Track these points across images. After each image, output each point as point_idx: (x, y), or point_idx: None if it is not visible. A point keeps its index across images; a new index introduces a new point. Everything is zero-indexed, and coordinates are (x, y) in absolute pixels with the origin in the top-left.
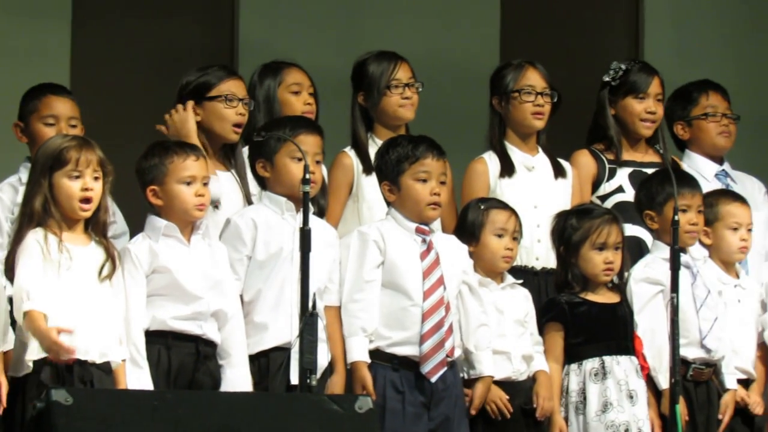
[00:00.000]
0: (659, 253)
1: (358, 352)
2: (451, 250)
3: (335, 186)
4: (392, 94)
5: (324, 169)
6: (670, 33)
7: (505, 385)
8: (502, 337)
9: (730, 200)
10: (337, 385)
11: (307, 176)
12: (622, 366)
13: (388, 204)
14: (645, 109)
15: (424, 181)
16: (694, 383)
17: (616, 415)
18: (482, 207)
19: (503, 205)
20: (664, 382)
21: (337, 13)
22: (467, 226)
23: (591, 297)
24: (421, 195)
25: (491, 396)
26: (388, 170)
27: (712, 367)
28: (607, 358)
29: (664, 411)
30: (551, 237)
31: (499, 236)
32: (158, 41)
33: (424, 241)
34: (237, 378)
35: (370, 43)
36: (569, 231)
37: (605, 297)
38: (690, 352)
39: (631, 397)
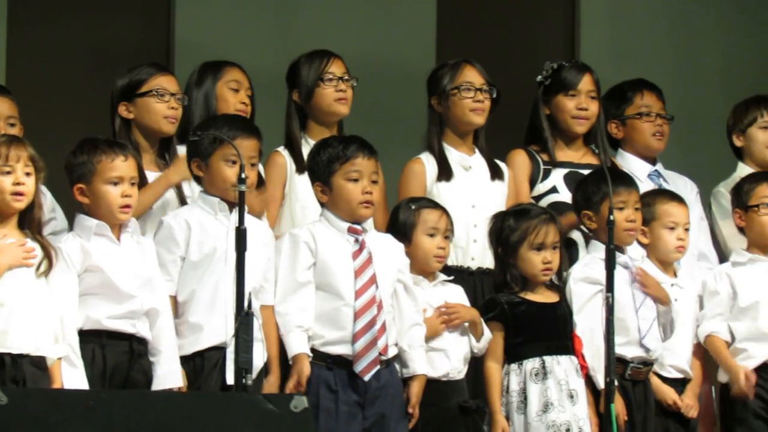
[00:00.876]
0: (597, 253)
1: (298, 345)
2: (386, 248)
3: (270, 185)
4: (326, 87)
5: (261, 167)
6: (605, 33)
7: (442, 383)
8: (439, 337)
9: (667, 199)
10: (272, 385)
11: (243, 176)
12: (562, 366)
13: (322, 205)
14: (576, 105)
15: (356, 180)
16: (632, 382)
17: (557, 415)
18: (413, 207)
19: (434, 205)
20: (602, 381)
21: (273, 14)
22: (398, 226)
23: (530, 297)
24: (352, 194)
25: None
26: (320, 171)
27: (650, 366)
28: (547, 358)
29: (602, 410)
30: (489, 238)
31: (431, 236)
32: (95, 40)
33: (356, 240)
34: (168, 374)
35: (305, 43)
36: (507, 231)
37: (544, 296)
38: (629, 351)
39: (572, 397)
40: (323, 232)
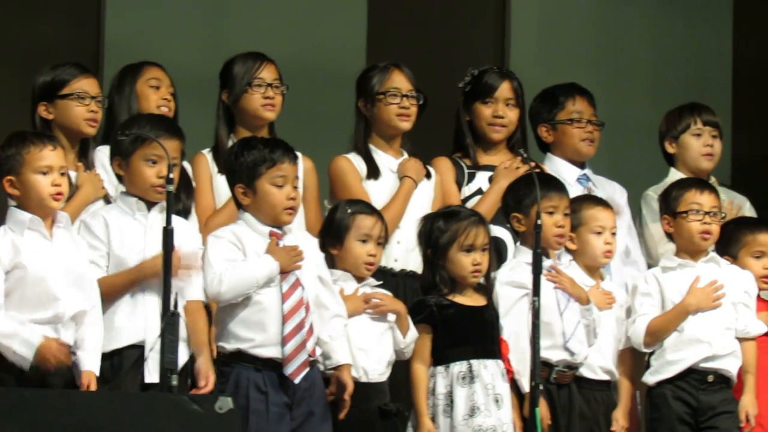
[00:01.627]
0: (523, 257)
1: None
2: (304, 248)
3: (202, 184)
4: (254, 92)
5: (189, 167)
6: (535, 38)
7: (362, 385)
8: (362, 335)
9: (593, 204)
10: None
11: (171, 176)
12: (489, 370)
13: (240, 207)
14: (492, 113)
15: (281, 186)
16: (557, 386)
17: (483, 420)
18: (349, 210)
19: (370, 210)
20: (527, 385)
21: (204, 15)
22: (333, 226)
23: (459, 299)
24: (277, 199)
25: None
26: (243, 173)
27: (575, 370)
28: (474, 362)
29: (527, 414)
30: (418, 239)
31: (363, 242)
32: (25, 40)
33: (277, 244)
34: (85, 358)
35: (236, 44)
36: (437, 233)
37: (473, 299)
38: (554, 354)
39: (497, 401)
40: (245, 234)
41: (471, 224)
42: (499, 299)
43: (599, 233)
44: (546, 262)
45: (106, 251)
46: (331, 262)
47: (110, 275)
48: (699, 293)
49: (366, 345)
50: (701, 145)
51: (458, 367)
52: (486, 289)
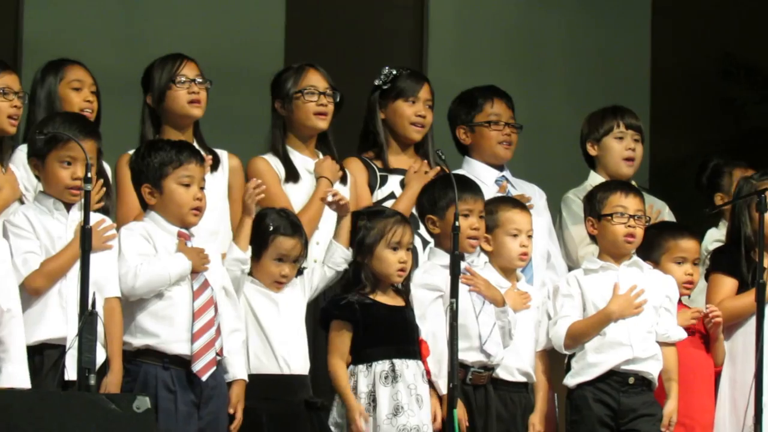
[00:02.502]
0: (438, 260)
1: None
2: (211, 253)
3: (125, 184)
4: (178, 89)
5: (108, 168)
6: (453, 40)
7: (288, 378)
8: (284, 331)
9: (509, 207)
10: (114, 383)
11: (88, 175)
12: (411, 370)
13: (146, 207)
14: (415, 112)
15: (187, 185)
16: (473, 387)
17: (407, 419)
18: (271, 229)
19: (292, 232)
20: (444, 387)
21: (123, 14)
22: (256, 237)
23: (380, 298)
24: (184, 199)
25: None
26: (150, 173)
27: (491, 371)
28: (397, 361)
29: (444, 415)
30: (363, 235)
31: (280, 260)
32: None
33: (186, 245)
34: (14, 374)
35: (155, 44)
36: (363, 231)
37: (393, 300)
38: (470, 356)
39: (419, 402)
40: (155, 230)
41: (397, 222)
42: (414, 301)
43: (515, 236)
44: (461, 265)
45: (38, 245)
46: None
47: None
48: (621, 300)
49: (287, 338)
50: (623, 149)
51: (381, 366)
52: (403, 291)
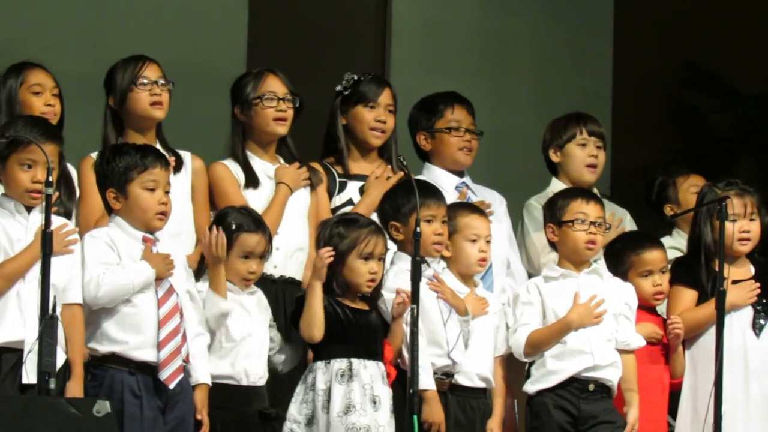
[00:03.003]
0: (405, 264)
1: None
2: (175, 258)
3: (89, 187)
4: (140, 91)
5: (74, 171)
6: (417, 45)
7: (244, 388)
8: (249, 337)
9: (468, 212)
10: (74, 389)
11: (50, 179)
12: (369, 370)
13: (111, 211)
14: (375, 117)
15: (152, 190)
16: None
17: (357, 418)
18: (233, 226)
19: (255, 227)
20: (427, 383)
21: (87, 17)
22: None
23: (346, 301)
24: (149, 204)
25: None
26: (115, 178)
27: (452, 377)
28: (355, 361)
29: (426, 417)
30: (316, 244)
31: (246, 257)
32: None
33: (150, 251)
34: None
35: (117, 46)
36: (336, 239)
37: (359, 305)
38: (437, 362)
39: (375, 402)
40: (119, 236)
41: (371, 233)
42: (386, 305)
43: (474, 241)
44: (428, 271)
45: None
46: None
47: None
48: (581, 310)
49: (250, 350)
50: (586, 155)
51: (338, 365)
52: (370, 298)
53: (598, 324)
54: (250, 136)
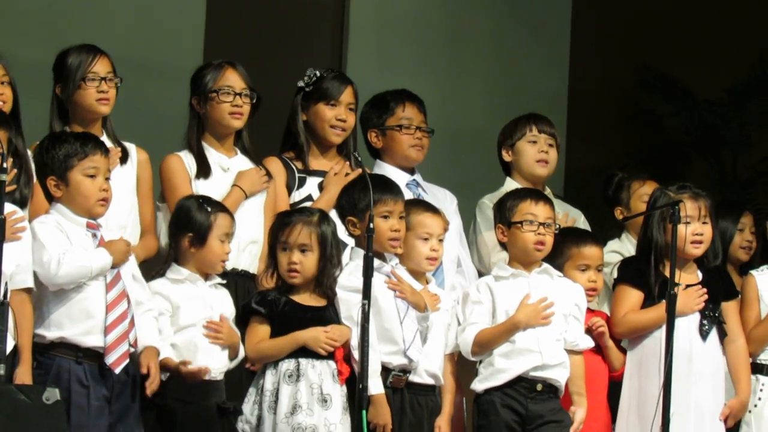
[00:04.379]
0: (361, 261)
1: None
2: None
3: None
4: (88, 86)
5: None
6: (373, 42)
7: (204, 383)
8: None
9: (421, 210)
10: (24, 375)
11: (5, 165)
12: (317, 370)
13: (52, 199)
14: (335, 116)
15: (93, 176)
16: (392, 390)
17: (304, 418)
18: (209, 209)
19: (225, 209)
20: (374, 388)
21: (41, 6)
22: (195, 228)
23: (297, 298)
24: (90, 190)
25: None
26: (55, 166)
27: (408, 374)
28: (303, 361)
29: (371, 418)
30: (269, 236)
31: (222, 241)
32: None
33: (95, 236)
34: None
35: (76, 36)
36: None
37: (311, 299)
38: (393, 359)
39: (325, 401)
40: (65, 224)
41: (297, 223)
42: (340, 303)
43: (426, 239)
44: (385, 268)
45: None
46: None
47: None
48: (528, 310)
49: (206, 344)
50: (536, 151)
51: (286, 365)
52: (327, 291)
53: (546, 325)
54: (206, 128)
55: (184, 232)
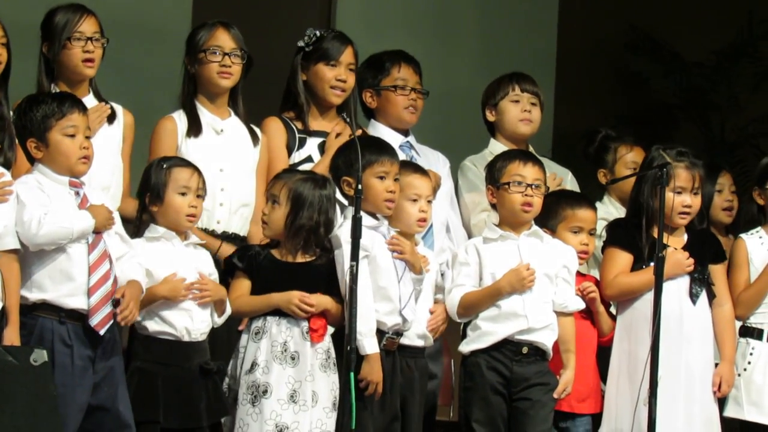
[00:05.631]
0: (363, 220)
1: None
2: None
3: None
4: (73, 46)
5: None
6: (362, 4)
7: (184, 344)
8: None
9: (410, 172)
10: (10, 336)
11: None
12: (281, 327)
13: (32, 160)
14: (335, 76)
15: (72, 136)
16: (384, 352)
17: (258, 376)
18: (164, 166)
19: (185, 163)
20: (368, 347)
21: None
22: (151, 186)
23: (275, 253)
24: (71, 149)
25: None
26: (34, 127)
27: (401, 336)
28: (269, 318)
29: (364, 375)
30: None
31: (183, 194)
32: None
33: (77, 194)
34: None
35: None
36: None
37: (296, 256)
38: (389, 319)
39: (293, 359)
40: (48, 183)
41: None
42: (341, 257)
43: (415, 201)
44: (381, 228)
45: None
46: (153, 220)
47: None
48: (511, 276)
49: (189, 305)
50: (519, 110)
51: (256, 323)
52: (317, 246)
53: (529, 290)
54: (198, 88)
55: (145, 191)
